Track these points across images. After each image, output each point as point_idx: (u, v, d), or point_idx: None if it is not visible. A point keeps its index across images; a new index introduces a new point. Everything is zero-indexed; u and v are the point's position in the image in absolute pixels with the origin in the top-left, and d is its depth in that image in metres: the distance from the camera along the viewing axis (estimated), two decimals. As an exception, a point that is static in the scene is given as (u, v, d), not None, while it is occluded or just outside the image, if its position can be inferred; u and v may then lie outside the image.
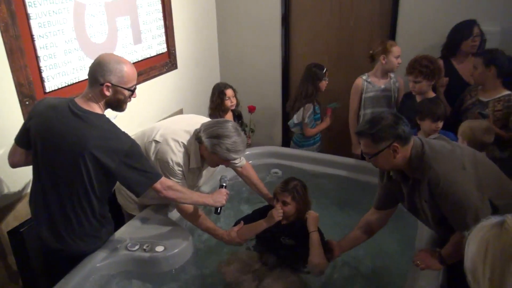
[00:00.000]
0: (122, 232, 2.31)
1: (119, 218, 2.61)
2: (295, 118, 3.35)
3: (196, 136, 2.26)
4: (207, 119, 2.48)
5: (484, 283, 0.77)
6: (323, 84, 3.34)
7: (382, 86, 3.24)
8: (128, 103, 2.03)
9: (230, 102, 3.30)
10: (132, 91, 1.97)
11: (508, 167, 2.12)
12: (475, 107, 2.84)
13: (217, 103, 3.29)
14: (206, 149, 2.22)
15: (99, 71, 1.87)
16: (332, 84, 4.01)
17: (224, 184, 2.39)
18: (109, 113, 2.02)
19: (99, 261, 2.08)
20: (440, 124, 2.65)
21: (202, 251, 2.56)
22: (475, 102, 2.86)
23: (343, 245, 2.31)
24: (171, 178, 2.24)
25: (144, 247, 2.18)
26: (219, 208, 2.32)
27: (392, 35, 3.59)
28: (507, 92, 2.76)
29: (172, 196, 2.10)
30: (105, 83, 1.87)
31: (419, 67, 2.81)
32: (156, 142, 2.30)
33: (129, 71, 1.92)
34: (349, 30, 3.80)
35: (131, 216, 2.53)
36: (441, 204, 1.85)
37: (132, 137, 2.39)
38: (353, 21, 3.75)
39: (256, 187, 2.69)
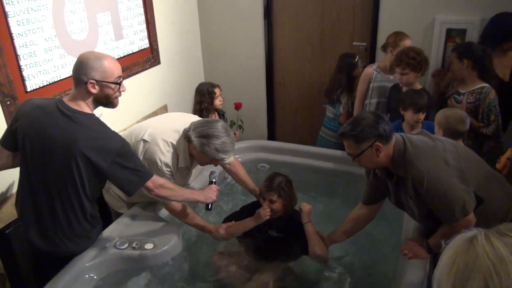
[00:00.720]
0: (111, 231, 2.30)
1: (106, 216, 2.60)
2: (341, 109, 3.37)
3: (185, 135, 2.25)
4: (196, 118, 2.47)
5: None
6: (358, 71, 3.34)
7: (391, 77, 3.20)
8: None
9: (220, 100, 3.31)
10: (119, 84, 1.96)
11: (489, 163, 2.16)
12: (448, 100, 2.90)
13: (208, 104, 3.29)
14: (195, 148, 2.21)
15: (81, 71, 1.86)
16: (315, 76, 4.06)
17: (214, 180, 2.40)
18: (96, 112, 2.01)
19: (88, 261, 2.07)
20: (422, 116, 2.68)
21: (192, 245, 2.56)
22: (454, 93, 2.91)
23: (333, 238, 2.34)
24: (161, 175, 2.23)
25: (134, 245, 2.17)
26: (210, 204, 2.32)
27: (374, 27, 3.62)
28: (483, 84, 2.78)
29: (164, 194, 2.10)
30: (89, 81, 1.86)
31: (406, 59, 2.82)
32: (145, 141, 2.29)
33: (110, 65, 1.91)
34: (332, 22, 3.81)
35: (118, 215, 2.51)
36: (428, 201, 1.88)
37: (124, 135, 2.40)
38: (336, 13, 3.77)
39: (244, 183, 2.69)
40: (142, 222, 2.39)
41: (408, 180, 1.89)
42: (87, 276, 2.05)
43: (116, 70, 1.93)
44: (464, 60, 2.75)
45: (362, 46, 3.76)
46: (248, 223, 2.37)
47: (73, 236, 2.02)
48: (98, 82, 1.88)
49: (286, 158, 3.22)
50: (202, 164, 2.41)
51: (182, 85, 4.01)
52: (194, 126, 2.23)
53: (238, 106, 3.60)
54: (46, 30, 2.56)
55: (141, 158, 2.26)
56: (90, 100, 1.93)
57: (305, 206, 2.40)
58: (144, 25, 3.36)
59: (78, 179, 1.89)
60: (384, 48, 3.25)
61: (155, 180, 2.04)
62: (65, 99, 1.93)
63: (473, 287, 0.73)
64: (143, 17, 3.33)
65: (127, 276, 2.17)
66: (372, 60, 3.67)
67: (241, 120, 3.60)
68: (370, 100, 3.32)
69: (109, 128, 1.96)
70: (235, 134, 3.42)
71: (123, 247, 2.16)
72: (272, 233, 2.39)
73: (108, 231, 2.29)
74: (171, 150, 2.28)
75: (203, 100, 3.30)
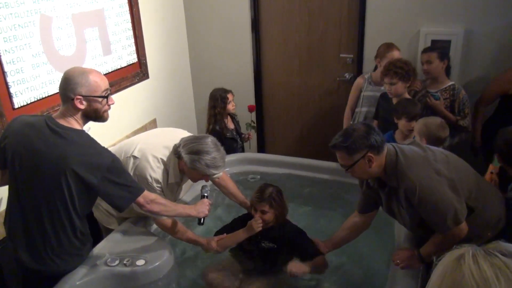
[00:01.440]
0: (101, 247, 2.27)
1: (96, 233, 2.57)
2: None
3: (175, 152, 2.24)
4: (186, 133, 2.46)
5: None
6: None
7: (382, 88, 3.22)
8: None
9: (232, 105, 3.33)
10: (106, 97, 1.95)
11: (457, 152, 2.22)
12: (424, 99, 3.01)
13: (220, 109, 3.29)
14: (185, 165, 2.21)
15: (67, 88, 1.86)
16: (303, 87, 4.08)
17: (206, 194, 2.38)
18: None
19: (78, 279, 2.03)
20: (414, 124, 2.70)
21: (183, 261, 2.54)
22: (424, 94, 3.03)
23: (329, 245, 2.35)
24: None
25: (125, 262, 2.14)
26: (202, 219, 2.30)
27: (361, 39, 3.66)
28: (451, 82, 3.05)
29: (156, 209, 2.09)
30: (76, 97, 1.86)
31: (394, 68, 2.86)
32: (135, 157, 2.28)
33: (96, 79, 1.90)
34: (319, 34, 3.85)
35: (109, 231, 2.49)
36: (420, 210, 1.89)
37: (115, 150, 2.38)
38: (323, 25, 3.81)
39: (234, 196, 2.69)
40: (133, 238, 2.36)
41: (400, 191, 1.91)
42: (77, 294, 2.02)
43: (102, 83, 1.92)
44: (445, 60, 3.00)
45: (349, 58, 3.80)
46: (240, 235, 2.36)
47: (63, 254, 1.99)
48: (85, 97, 1.88)
49: (276, 169, 3.22)
50: (194, 180, 2.39)
51: (171, 99, 4.01)
52: (184, 142, 2.23)
53: (251, 109, 3.61)
54: (34, 46, 2.55)
55: (131, 174, 2.25)
56: (78, 116, 1.92)
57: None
58: (132, 40, 3.36)
59: (68, 195, 1.87)
60: (375, 59, 3.31)
61: (146, 196, 2.03)
62: (54, 116, 1.92)
63: None
64: (131, 32, 3.33)
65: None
66: (359, 71, 3.70)
67: (253, 121, 3.59)
68: (360, 109, 3.37)
69: (99, 144, 1.95)
70: (249, 135, 3.50)
71: (114, 264, 2.13)
72: (265, 244, 2.38)
73: (99, 248, 2.26)
74: (161, 166, 2.27)
75: (216, 105, 3.31)
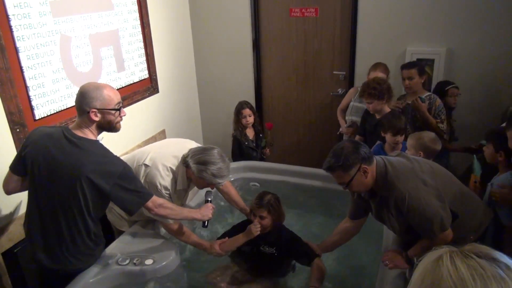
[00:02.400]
0: (113, 248, 2.26)
1: (109, 234, 2.56)
2: None
3: (184, 161, 2.24)
4: (194, 144, 2.46)
5: None
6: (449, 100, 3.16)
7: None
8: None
9: (246, 121, 3.32)
10: (118, 110, 1.95)
11: (437, 159, 2.21)
12: (407, 110, 3.05)
13: (236, 120, 3.36)
14: (193, 174, 2.20)
15: (83, 102, 1.87)
16: (299, 101, 4.09)
17: (210, 199, 2.37)
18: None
19: (92, 277, 2.02)
20: (400, 138, 2.69)
21: (188, 262, 2.52)
22: (406, 106, 3.06)
23: (323, 248, 2.34)
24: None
25: (134, 261, 2.14)
26: (206, 222, 2.29)
27: (352, 57, 3.67)
28: (429, 93, 3.07)
29: (163, 213, 2.08)
30: (91, 110, 1.87)
31: (368, 89, 2.87)
32: (146, 166, 2.27)
33: (110, 93, 1.91)
34: (314, 52, 3.86)
35: (120, 232, 2.47)
36: (409, 218, 1.88)
37: (123, 159, 2.37)
38: (317, 44, 3.82)
39: (235, 202, 2.68)
40: (142, 239, 2.35)
41: (390, 200, 1.89)
42: (91, 291, 2.00)
43: (115, 97, 1.93)
44: (424, 75, 3.05)
45: (341, 74, 3.81)
46: (241, 239, 2.34)
47: (78, 254, 1.98)
48: (100, 110, 1.88)
49: (275, 177, 3.20)
50: (200, 187, 2.38)
51: (179, 111, 4.02)
52: (192, 153, 2.22)
53: (269, 127, 3.56)
54: (54, 63, 2.56)
55: (142, 181, 2.24)
56: (93, 127, 1.92)
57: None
58: (144, 58, 3.38)
59: (83, 201, 1.87)
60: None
61: (155, 200, 2.02)
62: (71, 127, 1.93)
63: None
64: (143, 51, 3.35)
65: (128, 290, 2.13)
66: (351, 87, 3.70)
67: (271, 139, 3.56)
68: (349, 117, 3.40)
69: (111, 153, 1.95)
70: (266, 151, 3.46)
71: (124, 263, 2.12)
72: (264, 248, 2.36)
73: (111, 248, 2.25)
74: (170, 174, 2.26)
75: (235, 116, 3.38)
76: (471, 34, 3.25)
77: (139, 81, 3.34)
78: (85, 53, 2.78)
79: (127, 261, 2.13)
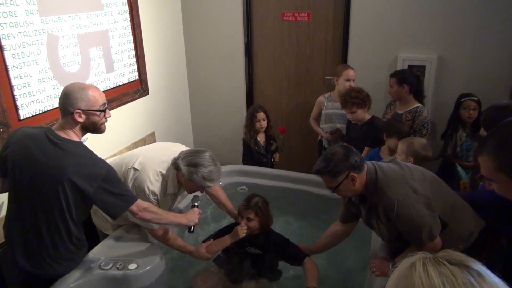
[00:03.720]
0: (96, 252, 2.20)
1: (94, 237, 2.50)
2: None
3: (174, 163, 2.19)
4: (184, 147, 2.41)
5: None
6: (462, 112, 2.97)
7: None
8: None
9: (260, 124, 3.23)
10: (103, 111, 1.91)
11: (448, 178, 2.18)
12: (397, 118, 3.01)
13: (249, 124, 3.24)
14: (183, 176, 2.15)
15: (67, 102, 1.83)
16: (291, 106, 4.07)
17: (196, 204, 2.32)
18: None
19: (73, 281, 1.96)
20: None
21: (174, 267, 2.47)
22: (393, 115, 3.05)
23: (313, 250, 2.33)
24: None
25: (118, 265, 2.07)
26: (192, 227, 2.24)
27: (343, 61, 3.65)
28: (417, 104, 3.00)
29: (148, 217, 2.02)
30: (75, 111, 1.82)
31: (350, 99, 2.89)
32: (135, 169, 2.22)
33: (94, 94, 1.87)
34: (306, 57, 3.85)
35: (105, 236, 2.42)
36: (398, 226, 1.86)
37: (111, 161, 2.33)
38: (309, 49, 3.81)
39: (224, 205, 2.64)
40: (127, 243, 2.29)
41: (380, 206, 1.87)
42: (71, 296, 1.94)
43: (100, 98, 1.89)
44: (404, 85, 2.97)
45: (333, 80, 3.78)
46: (227, 241, 2.31)
47: (59, 258, 1.92)
48: (84, 111, 1.84)
49: (264, 181, 3.17)
50: (189, 191, 2.33)
51: (169, 114, 3.97)
52: (184, 155, 2.18)
53: (282, 131, 3.45)
54: (41, 62, 2.51)
55: (130, 185, 2.19)
56: (77, 128, 1.88)
57: None
58: (134, 59, 3.33)
59: (65, 204, 1.82)
60: (333, 77, 3.37)
61: (139, 204, 1.97)
62: (54, 128, 1.88)
63: None
64: (133, 52, 3.30)
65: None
66: (342, 92, 3.70)
67: (283, 144, 3.46)
68: (324, 125, 3.42)
69: (95, 155, 1.90)
70: (275, 157, 3.38)
71: (107, 267, 2.06)
72: (250, 250, 2.33)
73: (94, 252, 2.19)
74: (160, 179, 2.21)
75: (247, 120, 3.27)
76: (462, 42, 3.26)
77: (128, 83, 3.30)
78: (73, 53, 2.73)
79: (110, 265, 2.07)
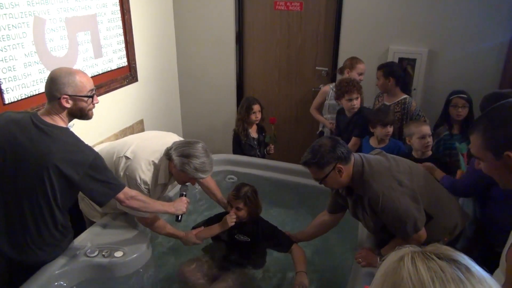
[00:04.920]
0: (82, 239, 2.18)
1: (81, 224, 2.47)
2: None
3: (167, 154, 2.16)
4: (176, 137, 2.39)
5: None
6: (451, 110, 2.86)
7: None
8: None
9: (255, 116, 3.19)
10: (91, 97, 1.87)
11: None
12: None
13: (243, 116, 3.19)
14: (175, 167, 2.12)
15: (53, 87, 1.78)
16: (282, 96, 4.05)
17: (184, 193, 2.30)
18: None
19: (57, 269, 1.94)
20: (390, 129, 2.73)
21: (161, 256, 2.46)
22: (381, 107, 3.06)
23: (299, 237, 2.35)
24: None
25: (103, 253, 2.06)
26: (180, 216, 2.23)
27: (335, 53, 3.65)
28: (404, 96, 3.04)
29: (135, 205, 2.00)
30: (62, 96, 1.78)
31: (353, 86, 2.89)
32: (127, 158, 2.19)
33: (82, 79, 1.83)
34: (297, 48, 3.82)
35: (92, 223, 2.39)
36: (383, 218, 1.87)
37: (102, 149, 2.30)
38: (301, 40, 3.78)
39: (215, 196, 2.64)
40: (114, 230, 2.27)
41: (365, 198, 1.89)
42: (56, 283, 1.91)
43: (87, 84, 1.85)
44: (390, 78, 2.98)
45: (324, 70, 3.78)
46: (216, 229, 2.32)
47: (43, 245, 1.90)
48: (71, 96, 1.80)
49: (253, 171, 3.17)
50: (180, 182, 2.28)
51: (158, 101, 3.93)
52: (176, 146, 2.15)
53: (273, 121, 3.38)
54: (26, 46, 2.45)
55: (121, 173, 2.17)
56: (64, 114, 1.84)
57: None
58: (123, 45, 3.27)
59: (50, 190, 1.78)
60: (341, 70, 3.33)
61: (127, 192, 1.95)
62: (40, 113, 1.84)
63: None
64: (122, 38, 3.24)
65: (97, 284, 2.05)
66: (333, 82, 3.68)
67: (275, 135, 3.41)
68: (326, 116, 3.39)
69: (82, 141, 1.87)
70: (270, 148, 3.36)
71: (93, 255, 2.05)
72: (239, 237, 2.35)
73: (80, 239, 2.17)
74: (152, 169, 2.19)
75: (242, 111, 3.22)
76: (453, 35, 3.27)
77: (117, 69, 3.24)
78: (60, 37, 2.67)
79: (96, 253, 2.06)
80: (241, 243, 2.34)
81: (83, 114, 1.89)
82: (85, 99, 1.85)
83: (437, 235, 1.93)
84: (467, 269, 0.70)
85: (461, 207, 2.06)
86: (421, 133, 2.52)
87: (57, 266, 1.95)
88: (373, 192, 1.84)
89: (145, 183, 2.17)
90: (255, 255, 2.39)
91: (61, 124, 1.84)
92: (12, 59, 2.37)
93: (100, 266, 2.02)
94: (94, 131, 3.05)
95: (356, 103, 2.93)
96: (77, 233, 2.18)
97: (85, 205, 2.44)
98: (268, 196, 2.91)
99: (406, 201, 1.82)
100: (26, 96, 2.49)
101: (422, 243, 1.71)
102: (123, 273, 2.06)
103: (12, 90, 2.40)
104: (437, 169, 2.40)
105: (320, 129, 3.59)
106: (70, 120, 1.90)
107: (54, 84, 1.78)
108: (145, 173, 2.16)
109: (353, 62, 3.21)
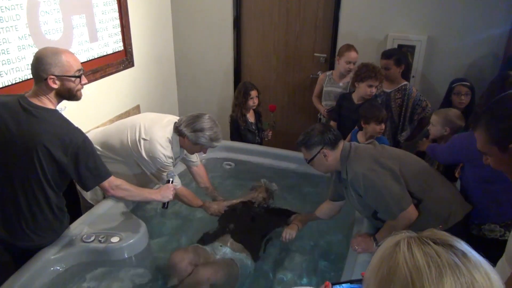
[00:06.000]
0: (78, 224, 2.16)
1: (77, 209, 2.47)
2: None
3: (177, 130, 2.31)
4: (175, 118, 2.44)
5: None
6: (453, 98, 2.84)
7: (340, 84, 3.24)
8: (86, 98, 1.91)
9: (253, 102, 3.18)
10: (79, 77, 1.83)
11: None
12: (380, 97, 3.04)
13: (241, 102, 3.18)
14: (189, 142, 2.29)
15: (39, 68, 1.74)
16: (279, 82, 4.03)
17: (171, 179, 2.30)
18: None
19: (53, 254, 1.93)
20: (383, 126, 2.66)
21: (157, 241, 2.46)
22: (380, 93, 3.03)
23: (303, 221, 2.43)
24: (163, 170, 2.30)
25: (100, 238, 2.05)
26: (166, 203, 2.23)
27: (334, 40, 3.61)
28: (404, 82, 3.03)
29: (120, 194, 2.03)
30: (49, 76, 1.73)
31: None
32: (144, 140, 2.27)
33: (68, 59, 1.78)
34: (296, 34, 3.78)
35: (88, 207, 2.38)
36: (367, 200, 1.94)
37: (105, 133, 2.31)
38: (299, 26, 3.74)
39: (205, 186, 2.73)
40: (110, 216, 2.26)
41: (349, 182, 1.97)
42: (52, 269, 1.91)
43: (74, 64, 1.80)
44: (402, 65, 3.00)
45: (322, 57, 3.75)
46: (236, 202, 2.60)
47: (38, 230, 1.89)
48: (58, 77, 1.75)
49: (251, 158, 3.16)
50: (192, 152, 2.49)
51: (155, 87, 3.89)
52: (186, 122, 2.30)
53: (272, 109, 3.39)
54: (20, 28, 2.40)
55: (144, 155, 2.26)
56: (52, 95, 1.79)
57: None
58: (119, 29, 3.23)
59: (41, 172, 1.76)
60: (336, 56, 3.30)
61: (112, 181, 1.95)
62: (27, 95, 1.79)
63: None
64: (118, 21, 3.19)
65: (93, 269, 2.05)
66: (331, 69, 3.64)
67: (274, 122, 3.43)
68: (324, 102, 3.36)
69: (71, 124, 1.83)
70: (268, 134, 3.38)
71: (89, 240, 2.04)
72: (256, 209, 2.56)
73: (76, 225, 2.15)
74: (169, 145, 2.31)
75: (239, 97, 3.20)
76: (452, 22, 3.24)
77: (113, 53, 3.20)
78: (54, 20, 2.62)
79: (92, 238, 2.05)
80: (254, 214, 2.49)
81: (72, 95, 1.84)
82: (73, 79, 1.80)
83: (429, 222, 1.93)
84: (464, 254, 0.70)
85: (461, 197, 2.05)
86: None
87: (53, 251, 1.94)
88: (355, 174, 1.94)
89: (169, 157, 2.30)
90: (270, 218, 2.52)
91: (50, 106, 1.80)
92: (6, 42, 2.33)
93: (97, 251, 2.01)
94: (89, 117, 3.02)
95: (374, 91, 2.86)
96: (73, 219, 2.17)
97: None
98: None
99: (387, 181, 1.88)
100: (20, 80, 2.45)
101: (414, 228, 1.73)
102: (119, 259, 2.06)
103: (6, 74, 2.36)
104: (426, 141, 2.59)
105: (319, 115, 3.57)
106: (59, 102, 1.85)
107: (40, 64, 1.73)
108: (166, 149, 2.29)
109: (343, 49, 3.14)
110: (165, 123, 2.35)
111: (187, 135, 2.27)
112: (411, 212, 1.88)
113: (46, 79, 1.74)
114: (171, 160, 2.31)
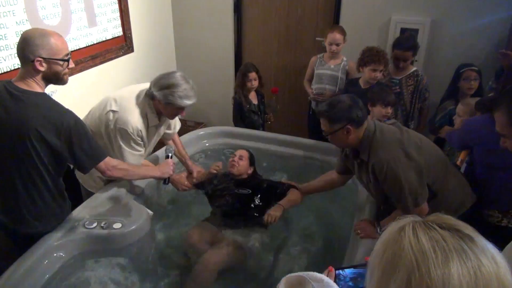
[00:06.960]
0: (80, 210, 2.16)
1: (77, 196, 2.47)
2: None
3: (148, 93, 2.15)
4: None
5: (372, 281, 0.74)
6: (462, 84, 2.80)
7: (332, 66, 3.20)
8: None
9: (251, 84, 3.15)
10: (67, 61, 1.77)
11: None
12: (392, 86, 2.95)
13: (240, 82, 3.16)
14: (160, 103, 2.12)
15: (26, 49, 1.67)
16: (280, 66, 3.99)
17: (170, 155, 2.28)
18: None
19: (56, 240, 1.93)
20: (390, 110, 2.61)
21: (160, 226, 2.47)
22: (387, 81, 2.95)
23: (304, 190, 2.40)
24: (133, 146, 2.15)
25: (102, 224, 2.05)
26: (167, 179, 2.23)
27: (335, 23, 3.56)
28: (414, 68, 2.92)
29: (118, 175, 1.99)
30: (36, 59, 1.67)
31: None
32: (114, 111, 2.14)
33: (57, 42, 1.71)
34: (297, 17, 3.73)
35: (89, 194, 2.38)
36: (385, 187, 1.86)
37: (87, 117, 2.24)
38: (301, 9, 3.69)
39: (180, 154, 2.65)
40: (112, 202, 2.25)
41: (369, 165, 1.87)
42: (55, 255, 1.91)
43: (63, 47, 1.74)
44: (416, 55, 2.92)
45: (323, 41, 3.70)
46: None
47: (39, 216, 1.88)
48: (46, 59, 1.69)
49: (251, 143, 3.14)
50: (171, 116, 2.29)
51: (155, 72, 3.75)
52: (154, 82, 2.15)
53: (274, 91, 3.36)
54: (18, 14, 2.37)
55: (112, 127, 2.13)
56: (39, 77, 1.73)
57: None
58: (118, 14, 3.19)
59: (36, 157, 1.73)
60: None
61: (108, 162, 1.91)
62: (14, 80, 1.74)
63: (398, 279, 0.69)
64: (116, 6, 3.16)
65: (96, 255, 2.05)
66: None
67: (276, 105, 3.39)
68: (314, 86, 3.30)
69: (61, 106, 1.78)
70: (269, 116, 3.34)
71: (91, 226, 2.03)
72: (239, 191, 2.43)
73: (78, 211, 2.15)
74: (140, 113, 2.16)
75: (239, 78, 3.18)
76: (457, 5, 3.19)
77: (112, 39, 3.17)
78: (52, 5, 2.59)
79: (94, 225, 2.04)
80: (242, 196, 2.40)
81: (58, 79, 1.79)
82: (61, 62, 1.74)
83: (441, 213, 1.92)
84: (470, 239, 0.69)
85: (468, 186, 2.04)
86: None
87: (56, 237, 1.94)
88: (379, 160, 1.82)
89: (137, 130, 2.14)
90: (256, 208, 2.41)
91: (38, 89, 1.74)
92: (3, 27, 2.30)
93: (99, 237, 2.01)
94: (88, 104, 2.99)
95: (379, 76, 2.81)
96: (74, 206, 2.17)
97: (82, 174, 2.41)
98: (267, 169, 2.91)
99: (410, 174, 1.80)
100: (19, 66, 2.42)
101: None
102: (122, 245, 2.06)
103: (5, 60, 2.34)
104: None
105: (309, 98, 3.49)
106: (46, 85, 1.80)
107: (28, 45, 1.67)
108: (135, 120, 2.13)
109: (328, 30, 3.08)
110: (139, 91, 2.21)
111: (155, 95, 2.11)
112: (424, 209, 1.85)
113: (33, 61, 1.68)
114: (139, 136, 2.16)
